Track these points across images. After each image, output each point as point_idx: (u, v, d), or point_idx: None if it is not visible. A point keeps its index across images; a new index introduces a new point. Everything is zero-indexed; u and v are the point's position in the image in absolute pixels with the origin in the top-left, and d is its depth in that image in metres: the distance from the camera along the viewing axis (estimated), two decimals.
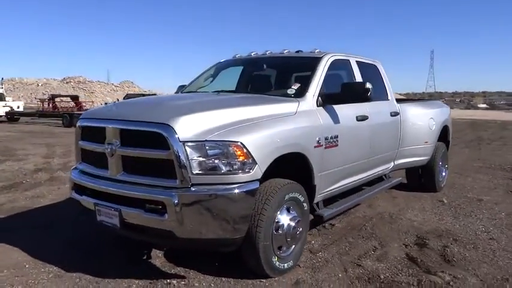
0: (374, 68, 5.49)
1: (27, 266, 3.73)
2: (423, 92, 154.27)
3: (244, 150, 3.11)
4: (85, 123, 3.71)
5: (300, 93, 4.04)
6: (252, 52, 5.16)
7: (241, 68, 5.27)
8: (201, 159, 3.04)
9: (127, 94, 37.19)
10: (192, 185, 3.04)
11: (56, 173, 8.27)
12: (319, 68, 4.29)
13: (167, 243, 3.79)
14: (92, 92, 72.08)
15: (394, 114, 5.44)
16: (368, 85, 4.05)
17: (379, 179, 5.63)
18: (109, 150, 3.34)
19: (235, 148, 3.08)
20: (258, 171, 3.19)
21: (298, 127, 3.67)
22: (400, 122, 5.56)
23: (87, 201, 3.57)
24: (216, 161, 3.06)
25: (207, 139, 3.07)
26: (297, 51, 4.86)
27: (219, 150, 3.06)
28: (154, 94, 32.80)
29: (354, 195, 4.84)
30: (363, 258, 3.98)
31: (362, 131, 4.60)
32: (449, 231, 4.81)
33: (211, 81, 5.12)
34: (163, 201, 3.06)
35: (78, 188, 3.72)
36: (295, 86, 4.16)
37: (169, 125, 3.07)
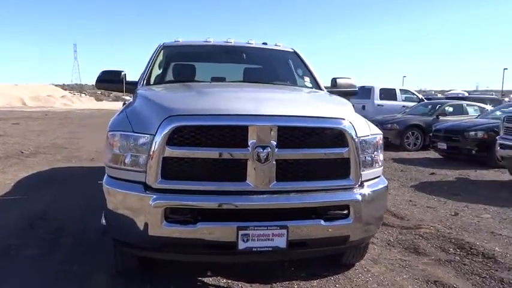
0: None
1: None
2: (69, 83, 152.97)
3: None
4: (193, 123, 2.58)
5: (318, 86, 4.19)
6: (208, 38, 4.57)
7: (204, 54, 4.57)
8: (367, 154, 2.95)
9: None
10: (362, 181, 2.91)
11: None
12: (306, 61, 4.50)
13: (328, 252, 3.23)
14: None
15: None
16: (354, 81, 4.63)
17: None
18: (264, 154, 2.58)
19: (380, 140, 3.14)
20: None
21: None
22: None
23: (212, 228, 2.59)
24: (375, 154, 3.03)
25: (372, 133, 2.99)
26: (264, 43, 4.76)
27: (376, 143, 3.04)
28: None
29: None
30: None
31: None
32: None
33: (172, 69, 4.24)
34: (348, 204, 2.78)
35: (179, 216, 2.58)
36: (307, 79, 4.25)
37: (347, 120, 2.80)
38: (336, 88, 4.44)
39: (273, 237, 2.63)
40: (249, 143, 2.58)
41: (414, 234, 4.53)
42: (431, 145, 11.08)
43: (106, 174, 2.88)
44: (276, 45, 4.78)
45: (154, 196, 2.57)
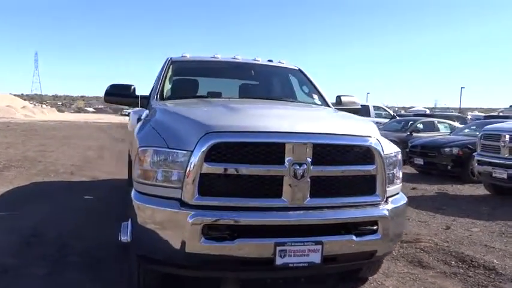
0: None
1: None
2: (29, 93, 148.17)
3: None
4: (231, 139, 2.58)
5: (326, 104, 4.29)
6: (215, 54, 4.59)
7: (213, 70, 4.59)
8: (391, 170, 3.05)
9: None
10: (387, 198, 3.00)
11: None
12: (312, 79, 4.61)
13: (355, 267, 3.31)
14: None
15: None
16: (357, 99, 4.77)
17: None
18: (300, 171, 2.62)
19: (400, 157, 3.25)
20: None
21: None
22: None
23: (249, 245, 2.59)
24: (396, 171, 3.13)
25: (394, 150, 3.10)
26: (269, 60, 4.83)
27: (398, 160, 3.15)
28: None
29: None
30: None
31: None
32: None
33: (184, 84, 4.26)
34: (377, 220, 2.85)
35: (216, 232, 2.57)
36: (315, 96, 4.34)
37: (374, 137, 2.89)
38: (340, 105, 4.56)
39: (308, 253, 2.65)
40: (285, 160, 2.62)
41: (415, 247, 4.67)
42: (408, 160, 11.46)
43: (134, 190, 2.82)
44: (279, 62, 4.87)
45: (193, 213, 2.54)
